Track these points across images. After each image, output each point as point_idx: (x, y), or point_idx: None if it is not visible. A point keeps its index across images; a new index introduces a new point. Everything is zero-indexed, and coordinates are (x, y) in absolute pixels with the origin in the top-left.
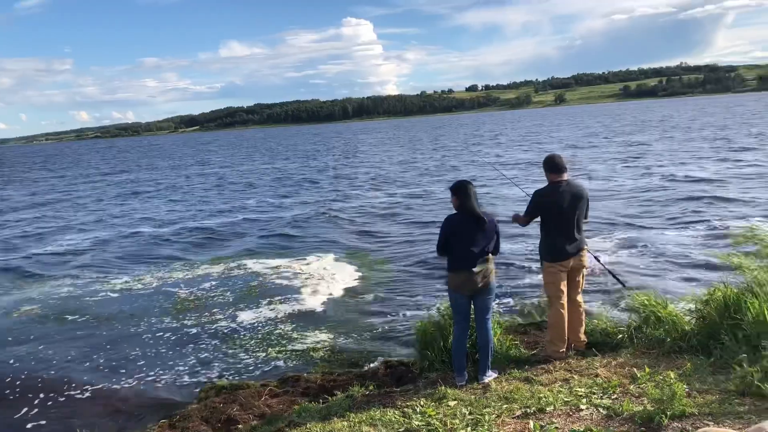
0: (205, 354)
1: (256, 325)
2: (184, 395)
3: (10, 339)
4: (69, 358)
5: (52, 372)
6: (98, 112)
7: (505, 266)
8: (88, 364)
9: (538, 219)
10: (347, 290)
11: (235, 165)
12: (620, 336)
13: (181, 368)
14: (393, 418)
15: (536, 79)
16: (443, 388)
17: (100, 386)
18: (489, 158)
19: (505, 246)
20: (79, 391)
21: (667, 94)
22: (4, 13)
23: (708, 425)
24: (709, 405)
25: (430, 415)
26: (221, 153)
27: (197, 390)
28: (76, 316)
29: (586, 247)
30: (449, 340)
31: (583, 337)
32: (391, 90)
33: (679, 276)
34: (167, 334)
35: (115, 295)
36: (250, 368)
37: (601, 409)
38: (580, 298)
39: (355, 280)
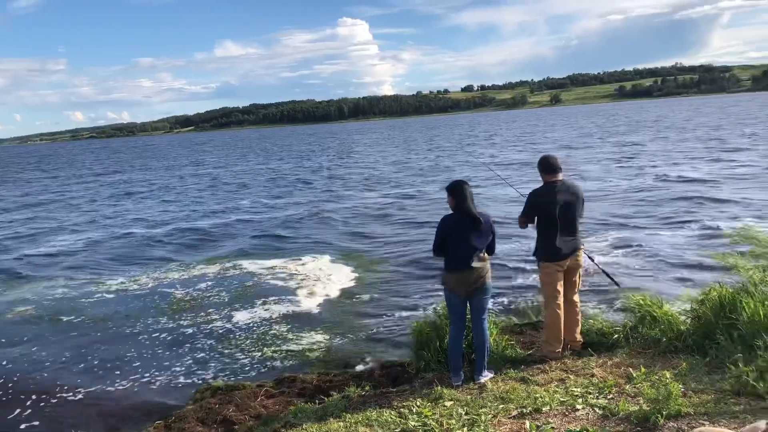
0: (201, 355)
1: (251, 325)
2: (179, 396)
3: (3, 340)
4: (64, 359)
5: (46, 373)
6: (93, 112)
7: (500, 266)
8: (83, 365)
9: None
10: (342, 290)
11: (230, 165)
12: (616, 336)
13: (176, 369)
14: (389, 419)
15: (532, 80)
16: (439, 388)
17: (95, 387)
18: (483, 158)
19: (500, 246)
20: (73, 393)
21: (662, 95)
22: None
23: (704, 425)
24: (705, 404)
25: (426, 416)
26: (216, 153)
27: (193, 391)
28: (71, 317)
29: (582, 246)
30: (445, 341)
31: (579, 337)
32: (387, 90)
33: (672, 276)
34: (162, 335)
35: (110, 295)
36: (246, 369)
37: (597, 409)
38: (576, 298)
39: (351, 280)
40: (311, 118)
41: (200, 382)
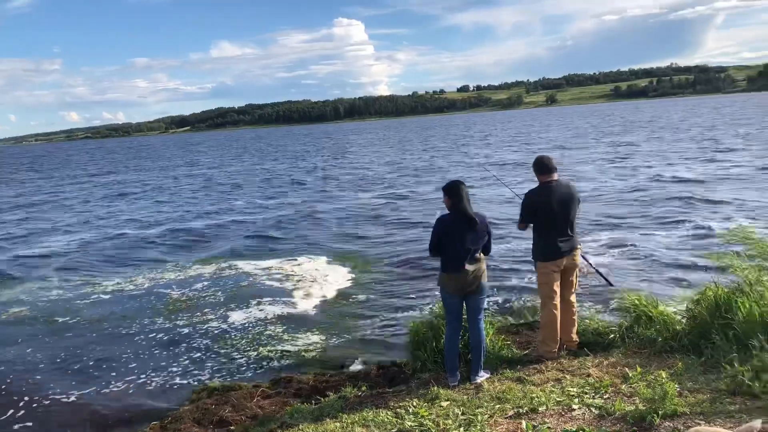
0: (197, 355)
1: (247, 326)
2: (175, 397)
3: None
4: (58, 360)
5: (41, 375)
6: (88, 112)
7: (496, 266)
8: (78, 366)
9: None
10: (338, 291)
11: (224, 166)
12: (612, 336)
13: (172, 370)
14: (385, 419)
15: (527, 80)
16: (436, 388)
17: (90, 389)
18: (478, 159)
19: (496, 246)
20: (68, 394)
21: (657, 95)
22: None
23: (699, 424)
24: (701, 404)
25: (422, 416)
26: (210, 154)
27: (189, 392)
28: (66, 318)
29: (579, 246)
30: (441, 341)
31: (575, 337)
32: (383, 90)
33: (667, 276)
34: (158, 336)
35: (105, 296)
36: (243, 369)
37: (593, 409)
38: (573, 298)
39: (347, 281)
40: (307, 118)
41: (196, 382)
